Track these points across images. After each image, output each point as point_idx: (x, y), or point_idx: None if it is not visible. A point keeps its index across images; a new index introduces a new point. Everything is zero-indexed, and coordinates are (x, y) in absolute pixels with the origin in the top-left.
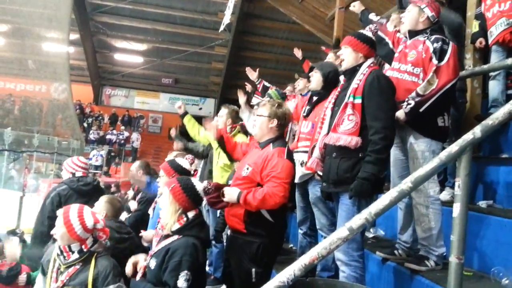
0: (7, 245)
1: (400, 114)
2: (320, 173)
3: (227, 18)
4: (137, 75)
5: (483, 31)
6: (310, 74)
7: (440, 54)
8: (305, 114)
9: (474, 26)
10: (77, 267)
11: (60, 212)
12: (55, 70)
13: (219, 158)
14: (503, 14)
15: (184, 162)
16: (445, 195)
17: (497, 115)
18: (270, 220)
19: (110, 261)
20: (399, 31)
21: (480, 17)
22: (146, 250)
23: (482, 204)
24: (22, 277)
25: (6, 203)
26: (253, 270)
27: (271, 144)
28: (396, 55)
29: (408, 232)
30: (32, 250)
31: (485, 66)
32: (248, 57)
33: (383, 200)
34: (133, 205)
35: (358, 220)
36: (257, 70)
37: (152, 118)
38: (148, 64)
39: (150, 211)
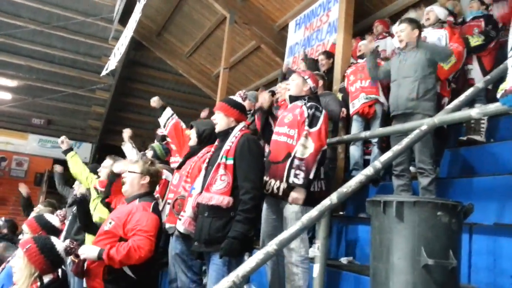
0: None
1: (295, 194)
2: (181, 230)
3: (112, 63)
4: (3, 112)
5: (344, 102)
6: (188, 132)
7: (312, 120)
8: (177, 167)
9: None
10: None
11: None
12: None
13: (95, 210)
14: (364, 90)
15: (54, 219)
16: (312, 252)
17: (351, 183)
18: (132, 277)
19: None
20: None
21: (343, 90)
22: None
23: (344, 260)
24: None
25: None
26: None
27: (137, 199)
28: (277, 121)
29: None
30: None
31: (345, 137)
32: (132, 103)
33: (249, 262)
34: None
35: (225, 283)
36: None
37: (17, 161)
38: (17, 102)
39: None
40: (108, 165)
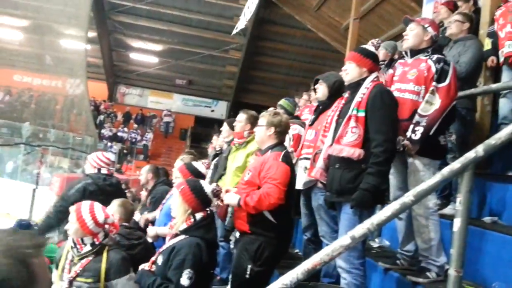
0: None
1: (408, 143)
2: (323, 182)
3: (242, 23)
4: (152, 75)
5: (495, 50)
6: (315, 86)
7: (441, 75)
8: (310, 123)
9: (486, 44)
10: (90, 258)
11: (72, 209)
12: (72, 67)
13: (234, 161)
14: None
15: (200, 166)
16: (450, 209)
17: (500, 135)
18: (272, 221)
19: (121, 254)
20: None
21: (493, 35)
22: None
23: (487, 220)
24: None
25: (20, 195)
26: (249, 266)
27: (269, 150)
28: (396, 77)
29: (411, 242)
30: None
31: (494, 86)
32: (262, 62)
33: (385, 211)
34: (137, 217)
35: (360, 229)
36: None
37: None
38: (163, 65)
39: (157, 212)
40: (242, 119)
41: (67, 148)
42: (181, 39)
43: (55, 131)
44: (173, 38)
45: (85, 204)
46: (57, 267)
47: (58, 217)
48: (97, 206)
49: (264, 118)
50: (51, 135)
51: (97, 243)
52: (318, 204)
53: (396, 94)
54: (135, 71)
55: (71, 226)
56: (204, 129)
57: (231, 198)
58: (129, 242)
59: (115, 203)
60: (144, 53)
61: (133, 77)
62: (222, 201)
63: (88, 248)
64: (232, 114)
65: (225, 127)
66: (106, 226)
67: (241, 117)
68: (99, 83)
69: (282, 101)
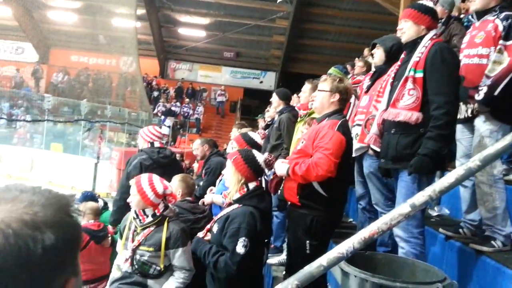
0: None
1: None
2: (375, 148)
3: None
4: (200, 49)
5: None
6: (372, 51)
7: (509, 32)
8: (366, 89)
9: None
10: (151, 229)
11: (132, 182)
12: (124, 45)
13: (297, 133)
14: None
15: (256, 136)
16: None
17: None
18: (323, 194)
19: (180, 226)
20: None
21: None
22: None
23: None
24: (108, 240)
25: (83, 169)
26: (307, 242)
27: (327, 118)
28: (463, 44)
29: (476, 211)
30: (117, 215)
31: None
32: (310, 29)
33: (448, 177)
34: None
35: (421, 197)
36: None
37: (215, 91)
38: (211, 38)
39: (217, 182)
40: (306, 89)
41: (124, 123)
42: (227, 11)
43: (111, 107)
44: (219, 10)
45: (144, 177)
46: (121, 237)
47: (125, 198)
48: (156, 178)
49: (327, 83)
50: (108, 111)
51: (158, 214)
52: (369, 172)
53: (464, 60)
54: (184, 46)
55: (133, 198)
56: (253, 101)
57: (280, 167)
58: (194, 216)
59: (176, 179)
60: (192, 28)
61: (182, 52)
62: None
63: (149, 219)
64: (280, 84)
65: (274, 98)
66: (165, 197)
67: (306, 87)
68: (150, 59)
69: (332, 69)
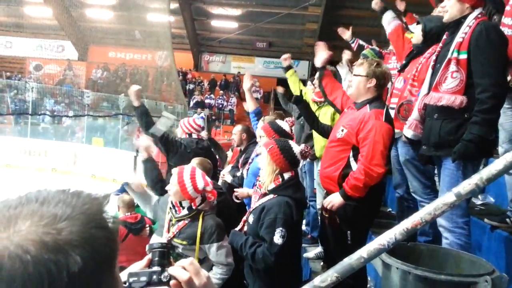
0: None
1: None
2: (408, 135)
3: None
4: (233, 40)
5: None
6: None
7: None
8: (399, 69)
9: None
10: (186, 222)
11: (175, 171)
12: (158, 39)
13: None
14: None
15: (284, 124)
16: None
17: None
18: None
19: (215, 220)
20: None
21: None
22: (235, 209)
23: None
24: (146, 230)
25: (123, 162)
26: (349, 232)
27: (367, 105)
28: (507, 8)
29: None
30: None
31: None
32: (343, 15)
33: (496, 164)
34: (228, 178)
35: (467, 185)
36: (350, 28)
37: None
38: (243, 29)
39: (244, 172)
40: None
41: (160, 116)
42: (259, 0)
43: (148, 101)
44: (251, 1)
45: (187, 169)
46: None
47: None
48: (199, 172)
49: (363, 67)
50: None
51: (193, 208)
52: (405, 159)
53: (507, 31)
54: (216, 38)
55: (172, 187)
56: (287, 90)
57: (334, 200)
58: None
59: (194, 162)
60: (224, 19)
61: (215, 44)
62: (327, 211)
63: (185, 211)
64: (314, 73)
65: (309, 86)
66: (205, 192)
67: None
68: (184, 53)
69: (367, 51)
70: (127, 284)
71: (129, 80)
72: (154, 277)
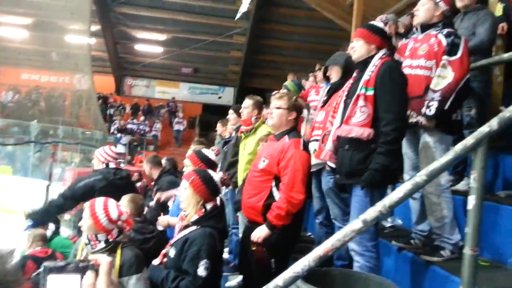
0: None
1: (423, 119)
2: (331, 165)
3: (244, 6)
4: (158, 65)
5: (505, 16)
6: (327, 74)
7: (452, 48)
8: (322, 104)
9: (497, 10)
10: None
11: (86, 205)
12: (77, 62)
13: (246, 148)
14: None
15: (210, 153)
16: (463, 185)
17: None
18: None
19: (134, 251)
20: None
21: (505, 0)
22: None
23: (501, 194)
24: None
25: (33, 192)
26: (273, 260)
27: (286, 135)
28: (406, 53)
29: (425, 221)
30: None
31: (505, 55)
32: (267, 45)
33: (397, 192)
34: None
35: (372, 212)
36: None
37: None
38: (168, 54)
39: (170, 203)
40: (248, 105)
41: (76, 143)
42: (184, 27)
43: (63, 127)
44: (176, 27)
45: (99, 201)
46: None
47: (59, 207)
48: (111, 203)
49: (284, 101)
50: (61, 131)
51: (110, 240)
52: (327, 188)
53: (407, 70)
54: (140, 62)
55: (85, 222)
56: (212, 116)
57: (260, 232)
58: (142, 236)
59: (125, 199)
60: (149, 44)
61: (139, 68)
62: (254, 244)
63: (102, 245)
64: (239, 100)
65: (231, 114)
66: (120, 223)
67: (247, 103)
68: (106, 76)
69: (288, 83)
70: (43, 267)
71: (44, 104)
72: (72, 265)
